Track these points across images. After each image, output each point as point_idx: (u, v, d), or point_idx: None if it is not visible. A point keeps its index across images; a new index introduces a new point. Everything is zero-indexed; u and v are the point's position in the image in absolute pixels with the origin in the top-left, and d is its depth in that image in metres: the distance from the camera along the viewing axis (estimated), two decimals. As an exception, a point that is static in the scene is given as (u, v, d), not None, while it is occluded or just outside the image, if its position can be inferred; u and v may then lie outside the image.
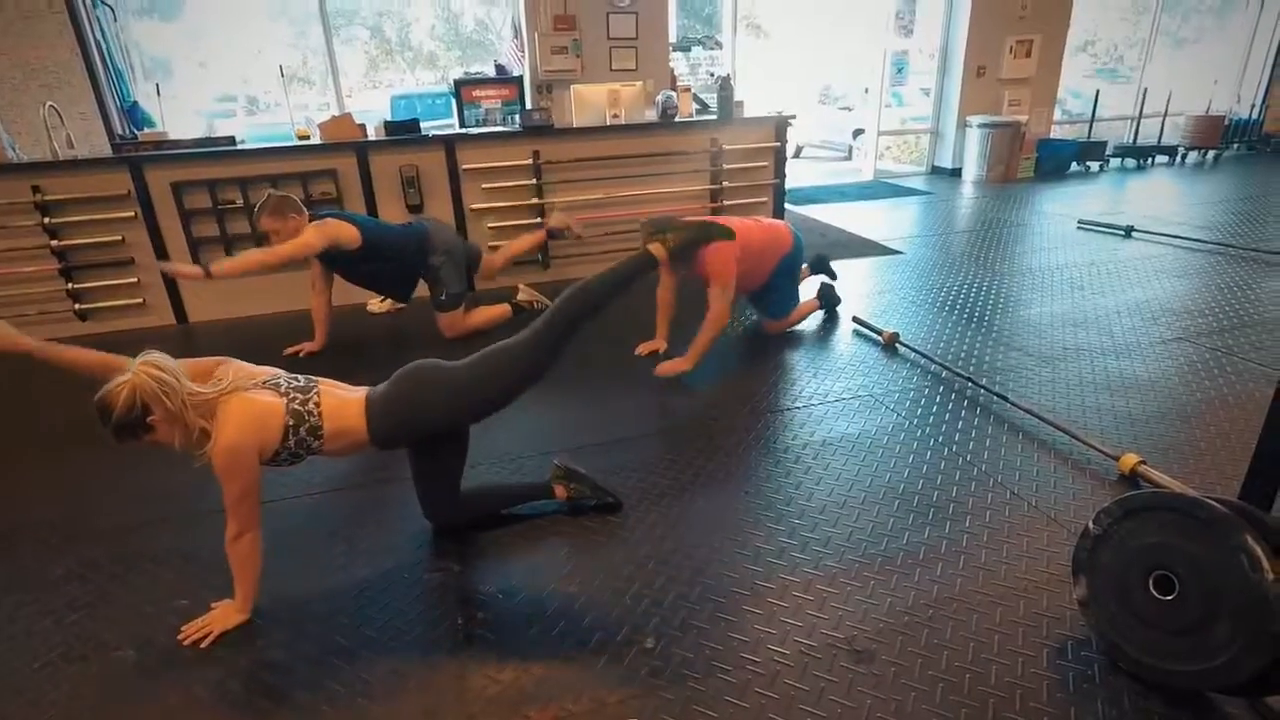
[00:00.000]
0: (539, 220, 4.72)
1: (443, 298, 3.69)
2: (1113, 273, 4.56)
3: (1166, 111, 9.11)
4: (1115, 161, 8.97)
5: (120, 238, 4.10)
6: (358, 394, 1.96)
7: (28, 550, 2.23)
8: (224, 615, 1.85)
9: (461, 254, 3.78)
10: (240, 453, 1.70)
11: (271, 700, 1.64)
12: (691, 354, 3.18)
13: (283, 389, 1.82)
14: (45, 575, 2.11)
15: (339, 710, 1.60)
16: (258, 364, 1.93)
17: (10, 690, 1.70)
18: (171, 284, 4.27)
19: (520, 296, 4.11)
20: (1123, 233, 5.45)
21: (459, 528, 2.18)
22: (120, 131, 5.51)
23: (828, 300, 3.97)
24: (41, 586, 2.06)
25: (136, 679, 1.72)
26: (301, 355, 3.60)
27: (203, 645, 1.80)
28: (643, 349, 3.49)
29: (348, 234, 3.37)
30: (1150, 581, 1.55)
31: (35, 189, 3.91)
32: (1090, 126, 8.88)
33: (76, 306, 4.14)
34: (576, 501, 2.25)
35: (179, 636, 1.82)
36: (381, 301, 4.32)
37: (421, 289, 3.77)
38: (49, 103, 4.22)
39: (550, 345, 1.99)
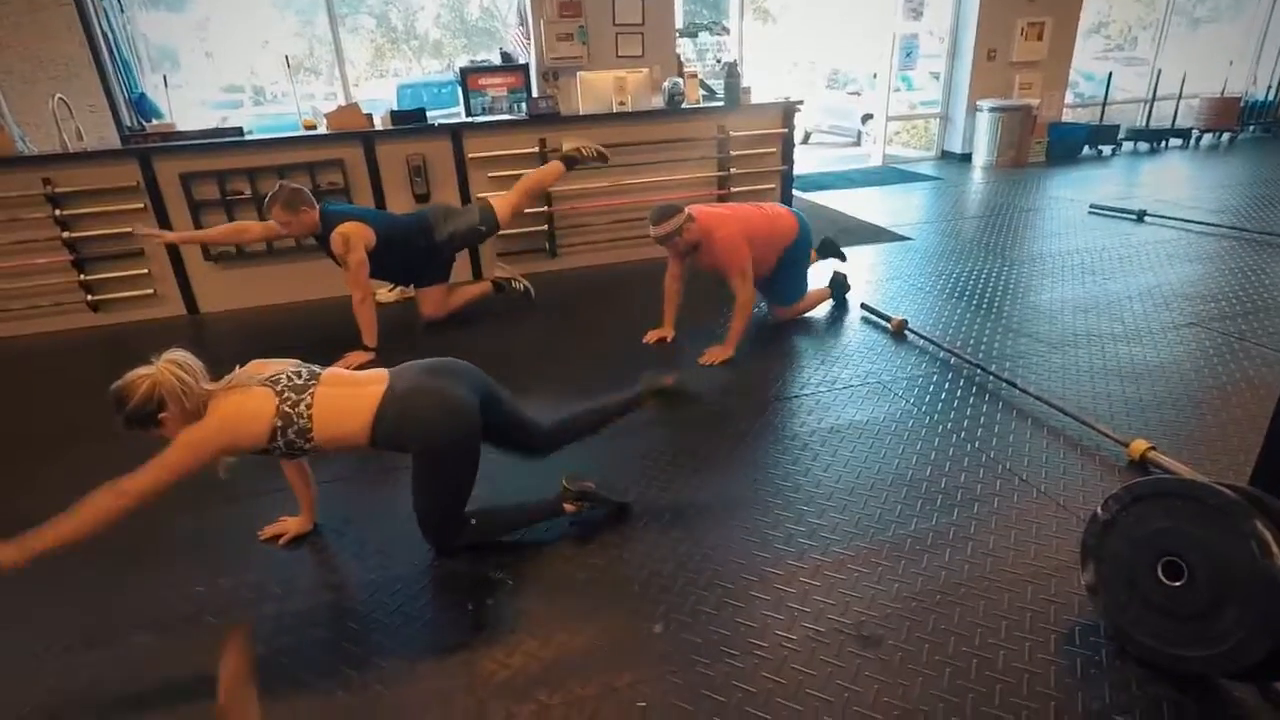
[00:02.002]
0: (545, 208, 4.71)
1: (482, 227, 3.75)
2: (1124, 258, 4.52)
3: (1181, 93, 8.98)
4: (1128, 145, 8.86)
5: (130, 229, 4.11)
6: (369, 391, 1.86)
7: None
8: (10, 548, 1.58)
9: (456, 211, 3.79)
10: (201, 447, 1.69)
11: (286, 684, 1.67)
12: (729, 341, 3.31)
13: (279, 387, 1.79)
14: (61, 562, 2.13)
15: (352, 694, 1.63)
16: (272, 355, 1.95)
17: (31, 674, 1.74)
18: (183, 275, 4.29)
19: (498, 274, 4.12)
20: (1135, 217, 5.39)
21: (461, 551, 2.08)
22: (128, 123, 5.52)
23: (838, 288, 3.96)
24: (58, 574, 2.08)
25: (153, 664, 1.75)
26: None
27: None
28: (650, 337, 3.50)
29: (368, 236, 3.41)
30: (1159, 567, 1.54)
31: (46, 181, 3.94)
32: (1103, 109, 8.76)
33: (89, 298, 4.17)
34: (586, 515, 2.18)
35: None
36: (390, 290, 4.33)
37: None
38: (58, 95, 4.23)
39: (552, 442, 2.26)
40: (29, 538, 1.57)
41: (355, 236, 3.36)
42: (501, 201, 3.81)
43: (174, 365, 1.68)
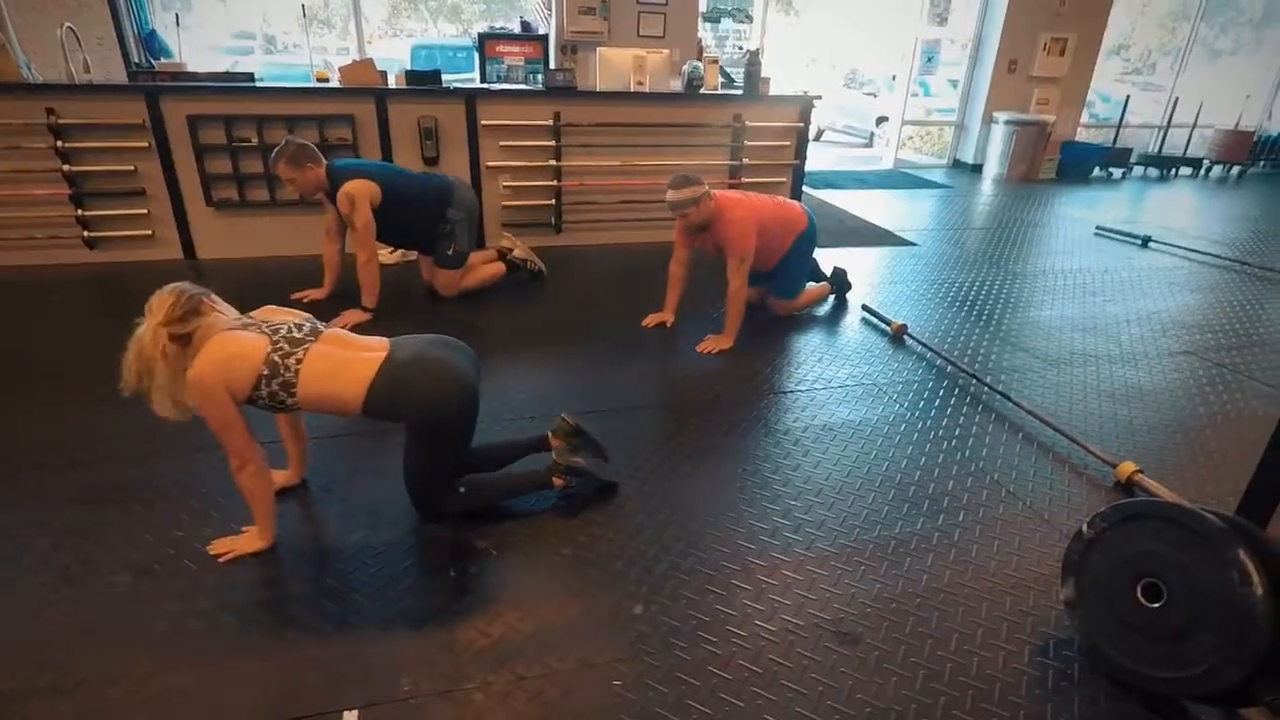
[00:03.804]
0: (554, 182, 4.68)
1: (449, 253, 3.67)
2: (1126, 281, 4.53)
3: (1195, 123, 8.98)
4: (1138, 170, 8.87)
5: (133, 167, 4.06)
6: (368, 357, 1.84)
7: (30, 473, 2.24)
8: (249, 540, 1.91)
9: (477, 217, 3.75)
10: (205, 386, 1.69)
11: (263, 635, 1.66)
12: (728, 331, 3.30)
13: (277, 337, 1.77)
14: (46, 497, 2.13)
15: (330, 651, 1.63)
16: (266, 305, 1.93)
17: (7, 608, 1.73)
18: (183, 219, 4.24)
19: (516, 253, 4.10)
20: (1140, 242, 5.40)
21: (447, 518, 2.07)
22: (137, 60, 5.42)
23: (839, 285, 3.96)
24: (42, 508, 2.08)
25: (131, 605, 1.74)
26: (305, 301, 3.59)
27: (221, 559, 1.88)
28: (650, 321, 3.50)
29: (373, 193, 3.34)
30: (1139, 588, 1.56)
31: (49, 111, 3.86)
32: (1117, 132, 8.76)
33: (85, 234, 4.11)
34: (574, 490, 2.18)
35: (208, 547, 1.91)
36: (392, 252, 4.29)
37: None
38: (66, 24, 4.14)
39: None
40: (260, 527, 1.91)
41: (360, 196, 3.30)
42: (465, 270, 3.79)
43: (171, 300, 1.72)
